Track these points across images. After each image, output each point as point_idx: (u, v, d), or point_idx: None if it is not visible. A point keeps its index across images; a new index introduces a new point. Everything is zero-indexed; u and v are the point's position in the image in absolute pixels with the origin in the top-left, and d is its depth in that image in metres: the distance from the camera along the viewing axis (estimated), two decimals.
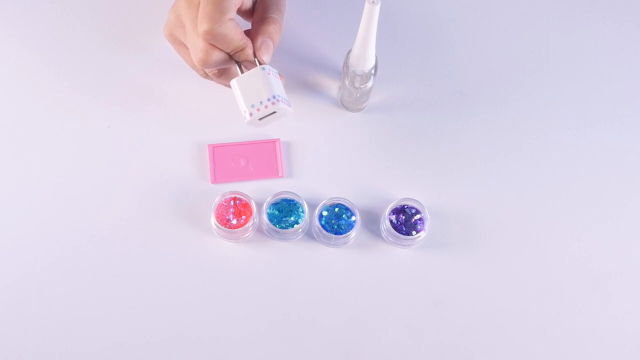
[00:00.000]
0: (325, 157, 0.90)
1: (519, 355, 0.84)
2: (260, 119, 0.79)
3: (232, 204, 0.86)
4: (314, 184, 0.89)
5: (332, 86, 0.92)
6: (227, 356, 0.83)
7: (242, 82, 0.78)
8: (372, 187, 0.89)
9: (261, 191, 0.88)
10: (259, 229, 0.87)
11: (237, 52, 0.79)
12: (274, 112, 0.78)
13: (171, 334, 0.84)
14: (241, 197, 0.86)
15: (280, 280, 0.86)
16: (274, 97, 0.78)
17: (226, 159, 0.89)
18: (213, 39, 0.77)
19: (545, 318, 0.85)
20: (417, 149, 0.90)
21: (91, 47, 0.92)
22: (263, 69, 0.78)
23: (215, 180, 0.88)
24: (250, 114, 0.78)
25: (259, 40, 0.80)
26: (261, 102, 0.78)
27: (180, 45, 0.84)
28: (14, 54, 0.92)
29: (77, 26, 0.93)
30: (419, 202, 0.86)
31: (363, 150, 0.90)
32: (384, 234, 0.87)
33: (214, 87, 0.89)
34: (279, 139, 0.89)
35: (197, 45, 0.78)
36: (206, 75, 0.85)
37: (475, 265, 0.87)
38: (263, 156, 0.89)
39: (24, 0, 0.94)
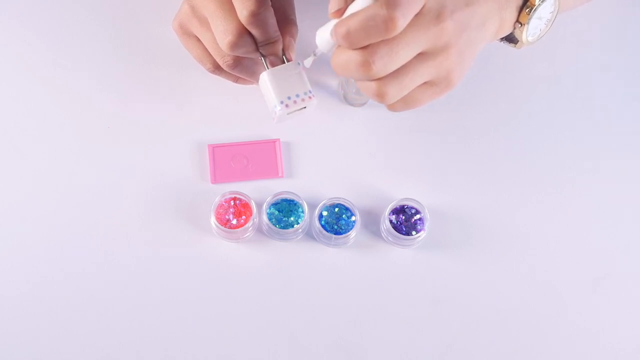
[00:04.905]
0: (325, 157, 0.90)
1: (518, 355, 0.85)
2: (289, 113, 0.78)
3: (232, 204, 0.86)
4: (313, 184, 0.88)
5: (332, 83, 0.92)
6: (226, 356, 0.83)
7: (276, 75, 0.78)
8: (372, 187, 0.89)
9: (261, 191, 0.87)
10: (259, 229, 0.87)
11: (269, 43, 0.78)
12: (304, 107, 0.79)
13: (170, 334, 0.84)
14: (241, 197, 0.86)
15: (280, 280, 0.86)
16: (310, 91, 0.78)
17: (226, 159, 0.89)
18: (254, 22, 0.75)
19: (545, 318, 0.85)
20: (417, 149, 0.90)
21: (90, 47, 0.92)
22: (298, 64, 0.79)
23: (215, 180, 0.88)
24: (287, 106, 0.77)
25: (287, 39, 0.80)
26: (297, 95, 0.78)
27: (190, 37, 0.83)
28: (13, 54, 0.92)
29: (76, 26, 0.93)
30: (419, 202, 0.86)
31: (363, 150, 0.90)
32: (384, 234, 0.87)
33: (214, 87, 0.89)
34: (278, 139, 0.89)
35: (227, 28, 0.76)
36: (214, 69, 0.84)
37: (475, 265, 0.87)
38: (263, 156, 0.89)
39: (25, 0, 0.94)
